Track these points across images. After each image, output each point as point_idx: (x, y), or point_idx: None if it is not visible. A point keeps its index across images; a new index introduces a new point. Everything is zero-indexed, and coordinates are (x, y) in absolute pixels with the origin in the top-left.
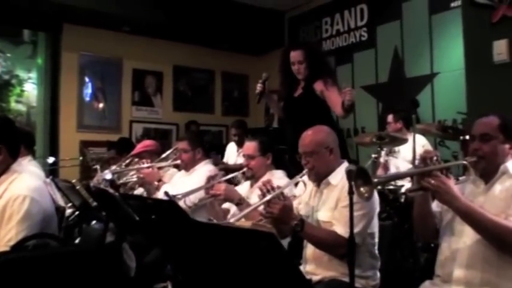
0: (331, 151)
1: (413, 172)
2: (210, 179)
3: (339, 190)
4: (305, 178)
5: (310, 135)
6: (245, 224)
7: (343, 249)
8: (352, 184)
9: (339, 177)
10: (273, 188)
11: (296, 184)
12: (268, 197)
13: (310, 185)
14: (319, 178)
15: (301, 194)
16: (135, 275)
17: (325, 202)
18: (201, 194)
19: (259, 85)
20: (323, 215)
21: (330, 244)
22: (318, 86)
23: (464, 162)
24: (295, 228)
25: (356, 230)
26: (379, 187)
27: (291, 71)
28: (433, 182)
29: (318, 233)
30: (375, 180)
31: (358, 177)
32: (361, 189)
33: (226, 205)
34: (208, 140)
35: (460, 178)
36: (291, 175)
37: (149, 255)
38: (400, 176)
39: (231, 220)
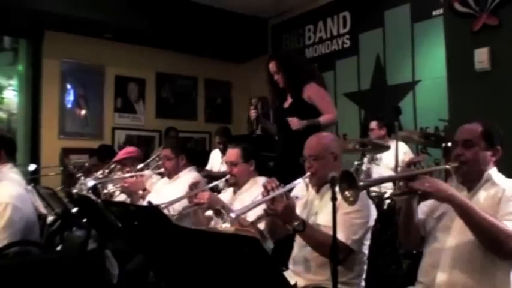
0: (336, 158)
1: (399, 176)
2: (193, 187)
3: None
4: (307, 181)
5: (317, 139)
6: (229, 229)
7: (341, 254)
8: (336, 190)
9: None
10: (277, 186)
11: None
12: (272, 194)
13: (310, 189)
14: (321, 183)
15: (304, 195)
16: (118, 282)
17: (325, 206)
18: (185, 202)
19: (252, 111)
20: (322, 219)
21: (329, 248)
22: (305, 94)
23: (447, 167)
24: (296, 227)
25: (355, 237)
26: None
27: (275, 82)
28: (427, 184)
29: (318, 236)
30: (360, 183)
31: (343, 180)
32: (346, 193)
33: (209, 212)
34: (192, 147)
35: None
36: None
37: (131, 262)
38: (386, 180)
39: (233, 215)
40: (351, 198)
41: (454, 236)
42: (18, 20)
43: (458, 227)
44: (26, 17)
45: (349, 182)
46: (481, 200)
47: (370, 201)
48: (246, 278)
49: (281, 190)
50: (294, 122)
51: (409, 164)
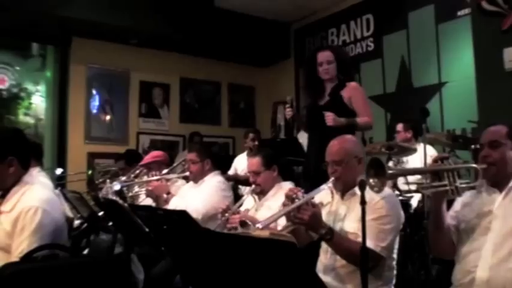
0: (360, 161)
1: (426, 169)
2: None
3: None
4: (331, 187)
5: (340, 143)
6: (262, 233)
7: (371, 262)
8: (364, 194)
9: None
10: (301, 194)
11: None
12: (297, 203)
13: (335, 195)
14: (346, 188)
15: (329, 201)
16: (143, 287)
17: (351, 213)
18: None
19: (288, 109)
20: (349, 225)
21: (358, 256)
22: (346, 93)
23: (475, 165)
24: (324, 236)
25: (384, 244)
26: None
27: (316, 76)
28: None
29: (346, 244)
30: (388, 171)
31: (371, 167)
32: (371, 180)
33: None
34: (216, 151)
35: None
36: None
37: (157, 267)
38: (414, 171)
39: (259, 225)
40: (375, 188)
41: (493, 236)
42: (46, 27)
43: (497, 227)
44: (54, 24)
45: (377, 170)
46: None
47: (399, 203)
48: (282, 285)
49: (306, 198)
50: (331, 118)
51: (437, 160)
